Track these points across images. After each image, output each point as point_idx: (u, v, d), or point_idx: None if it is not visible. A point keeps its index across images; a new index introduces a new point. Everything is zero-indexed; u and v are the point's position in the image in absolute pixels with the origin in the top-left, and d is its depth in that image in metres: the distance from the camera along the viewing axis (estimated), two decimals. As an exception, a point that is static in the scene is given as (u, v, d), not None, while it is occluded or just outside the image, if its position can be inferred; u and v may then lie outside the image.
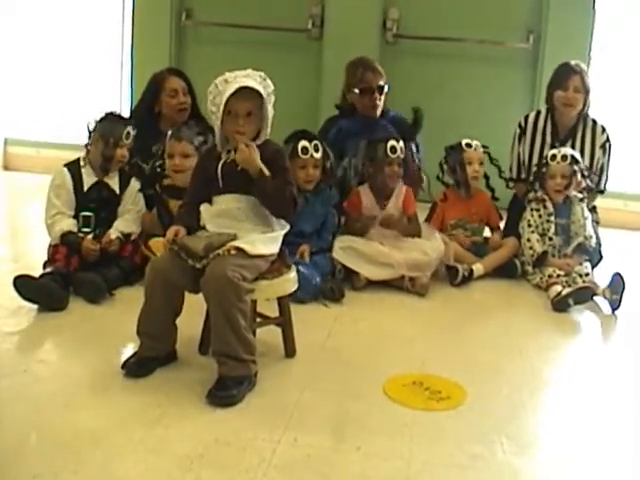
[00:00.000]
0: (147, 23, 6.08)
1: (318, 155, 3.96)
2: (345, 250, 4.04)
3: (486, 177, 4.53)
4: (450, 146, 4.52)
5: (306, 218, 3.94)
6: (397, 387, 2.96)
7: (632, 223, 5.50)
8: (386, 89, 4.70)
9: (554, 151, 4.41)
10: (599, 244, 4.48)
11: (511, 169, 4.79)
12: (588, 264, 4.24)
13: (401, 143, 4.20)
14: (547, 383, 3.17)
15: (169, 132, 4.04)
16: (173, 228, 2.92)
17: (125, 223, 3.90)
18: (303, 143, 3.93)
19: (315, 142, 3.96)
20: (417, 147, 4.47)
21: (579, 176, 4.38)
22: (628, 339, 3.70)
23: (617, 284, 3.94)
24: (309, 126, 4.30)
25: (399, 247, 4.10)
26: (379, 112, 4.70)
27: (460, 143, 4.47)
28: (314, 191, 4.02)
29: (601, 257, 4.45)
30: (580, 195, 4.40)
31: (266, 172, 2.89)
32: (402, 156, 4.19)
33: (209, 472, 2.32)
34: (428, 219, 4.52)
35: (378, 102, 4.68)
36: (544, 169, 4.40)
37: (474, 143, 4.48)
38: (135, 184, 4.01)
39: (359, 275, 4.02)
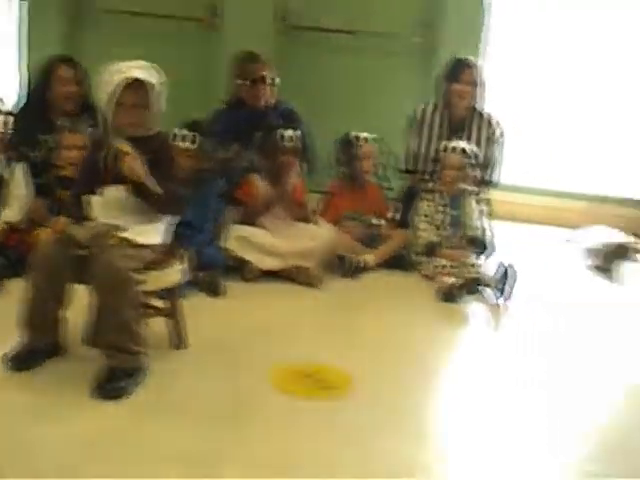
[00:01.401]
0: (42, 9, 5.92)
1: (192, 146, 3.92)
2: (238, 240, 4.04)
3: (380, 168, 4.58)
4: (341, 139, 4.56)
5: (192, 208, 3.90)
6: (284, 376, 2.98)
7: (524, 215, 5.62)
8: (276, 81, 4.69)
9: (447, 143, 4.49)
10: (491, 236, 4.58)
11: (404, 161, 4.84)
12: (479, 255, 4.33)
13: (297, 132, 4.24)
14: (435, 373, 3.23)
15: (62, 123, 3.96)
16: (58, 218, 2.87)
17: (10, 213, 3.81)
18: (182, 132, 3.91)
19: (193, 134, 3.93)
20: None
21: (472, 168, 4.47)
22: (517, 330, 3.79)
23: (507, 275, 4.03)
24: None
25: (288, 235, 4.12)
26: (264, 103, 4.68)
27: (351, 136, 4.52)
28: (199, 181, 3.98)
29: (492, 249, 4.54)
30: (473, 188, 4.49)
31: (150, 186, 2.83)
32: (297, 145, 4.23)
33: (97, 466, 2.30)
34: (323, 211, 4.54)
35: (262, 92, 4.67)
36: (437, 161, 4.47)
37: (364, 136, 4.53)
38: (20, 171, 3.91)
39: (251, 265, 4.02)
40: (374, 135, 4.60)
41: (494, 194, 4.93)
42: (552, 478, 2.50)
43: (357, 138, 4.53)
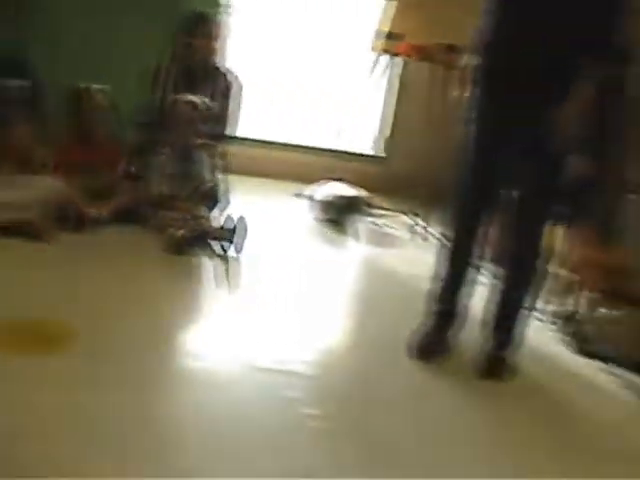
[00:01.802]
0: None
1: None
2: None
3: (112, 121, 4.48)
4: (72, 91, 4.42)
5: None
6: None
7: (259, 169, 5.69)
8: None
9: (178, 97, 4.45)
10: (223, 189, 4.60)
11: (139, 113, 4.75)
12: (211, 208, 4.34)
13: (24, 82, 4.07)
14: (163, 325, 3.21)
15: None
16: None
17: None
18: None
19: None
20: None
21: (204, 122, 4.46)
22: (250, 281, 3.85)
23: (238, 228, 4.08)
24: None
25: (8, 188, 3.93)
26: None
27: (81, 88, 4.38)
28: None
29: (225, 202, 4.57)
30: (206, 141, 4.48)
31: None
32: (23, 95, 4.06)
33: None
34: (53, 164, 4.36)
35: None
36: (170, 114, 4.43)
37: (94, 88, 4.41)
38: None
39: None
40: (105, 86, 4.47)
41: (229, 148, 4.95)
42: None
43: (87, 90, 4.39)
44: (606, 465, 2.81)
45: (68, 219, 4.07)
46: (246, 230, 4.06)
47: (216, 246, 4.10)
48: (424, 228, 5.10)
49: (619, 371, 3.65)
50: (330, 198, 5.11)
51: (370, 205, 5.50)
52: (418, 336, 3.35)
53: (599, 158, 4.41)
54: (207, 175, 4.40)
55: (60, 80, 4.47)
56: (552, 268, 4.20)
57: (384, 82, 5.96)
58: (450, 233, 3.38)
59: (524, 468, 2.65)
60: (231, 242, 4.03)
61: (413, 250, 4.82)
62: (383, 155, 6.21)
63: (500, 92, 3.19)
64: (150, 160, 4.38)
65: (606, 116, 4.35)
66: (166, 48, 4.97)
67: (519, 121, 3.13)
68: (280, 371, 2.95)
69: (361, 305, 3.97)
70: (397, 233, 5.14)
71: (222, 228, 4.10)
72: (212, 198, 4.43)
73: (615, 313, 3.77)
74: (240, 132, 5.10)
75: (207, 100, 4.54)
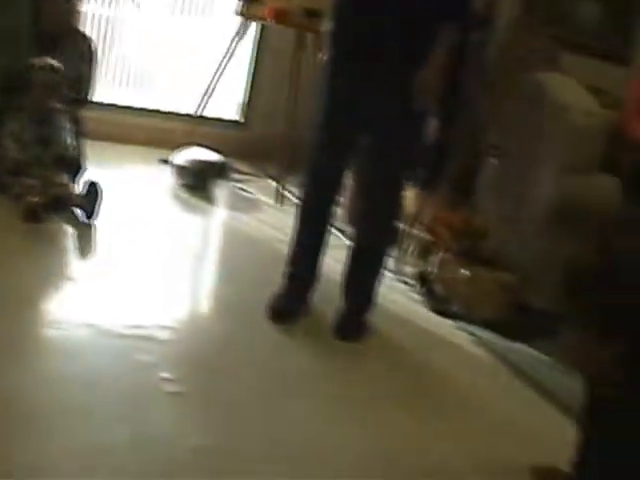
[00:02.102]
0: None
1: None
2: None
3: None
4: None
5: None
6: None
7: (120, 135, 5.60)
8: None
9: (35, 61, 4.32)
10: (81, 155, 4.51)
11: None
12: (67, 175, 4.24)
13: None
14: (34, 296, 3.18)
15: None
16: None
17: None
18: None
19: None
20: None
21: (60, 86, 4.35)
22: (104, 247, 3.81)
23: (94, 194, 4.01)
24: None
25: None
26: None
27: None
28: None
29: (83, 168, 4.47)
30: (62, 105, 4.37)
31: None
32: None
33: None
34: None
35: None
36: (27, 79, 4.30)
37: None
38: None
39: None
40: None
41: (87, 113, 4.85)
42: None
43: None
44: (450, 413, 2.95)
45: None
46: (100, 196, 3.99)
47: (76, 213, 4.02)
48: (283, 192, 5.13)
49: (470, 328, 3.80)
50: (191, 163, 5.08)
51: (231, 170, 5.51)
52: (275, 299, 3.39)
53: (453, 122, 4.54)
54: (68, 141, 4.30)
55: None
56: (406, 229, 4.32)
57: (246, 46, 5.93)
58: (305, 196, 3.43)
59: (365, 420, 2.75)
60: (88, 208, 3.97)
61: (273, 214, 4.86)
62: (243, 120, 6.21)
63: (349, 57, 3.24)
64: (6, 125, 4.23)
65: (460, 81, 4.48)
66: (24, 10, 4.83)
67: (369, 87, 3.18)
68: (137, 336, 2.96)
69: (221, 270, 3.99)
70: (257, 197, 5.16)
71: (82, 195, 4.02)
72: (74, 164, 4.33)
73: (466, 273, 3.91)
74: (100, 97, 5.01)
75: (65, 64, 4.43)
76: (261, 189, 5.33)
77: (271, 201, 5.09)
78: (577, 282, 2.30)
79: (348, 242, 3.52)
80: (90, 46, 4.71)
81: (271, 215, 4.83)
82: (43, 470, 2.12)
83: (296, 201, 4.92)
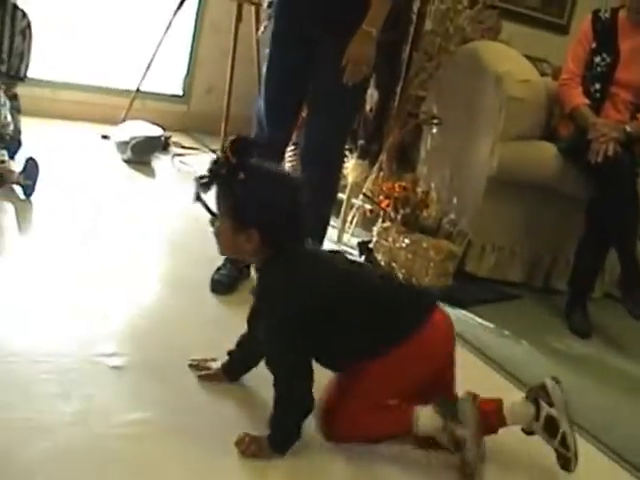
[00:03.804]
0: None
1: None
2: None
3: None
4: None
5: None
6: None
7: (58, 111, 5.53)
8: None
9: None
10: (18, 132, 4.45)
11: None
12: (4, 151, 4.18)
13: None
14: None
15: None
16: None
17: None
18: None
19: None
20: None
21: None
22: (43, 224, 3.77)
23: (31, 170, 3.97)
24: None
25: None
26: None
27: None
28: None
29: (19, 145, 4.41)
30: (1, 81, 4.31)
31: None
32: None
33: None
34: None
35: None
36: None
37: None
38: None
39: None
40: None
41: (25, 89, 4.78)
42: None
43: None
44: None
45: None
46: (38, 172, 3.94)
47: (14, 190, 3.97)
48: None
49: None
50: (132, 138, 5.03)
51: (172, 144, 5.49)
52: (216, 271, 3.40)
53: (391, 92, 4.56)
54: (5, 117, 4.23)
55: None
56: (348, 199, 4.35)
57: (186, 18, 5.88)
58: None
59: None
60: (25, 186, 3.92)
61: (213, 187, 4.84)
62: (182, 93, 6.17)
63: (285, 27, 3.24)
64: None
65: (397, 51, 4.50)
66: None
67: (306, 57, 3.19)
68: (76, 312, 2.93)
69: (164, 244, 3.97)
70: (197, 171, 5.12)
71: (20, 172, 3.97)
72: (11, 141, 4.27)
73: (407, 241, 3.95)
74: (37, 73, 4.94)
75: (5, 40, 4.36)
76: (202, 163, 5.28)
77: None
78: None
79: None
80: (29, 23, 4.62)
81: (213, 189, 4.80)
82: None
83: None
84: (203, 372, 2.67)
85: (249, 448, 2.32)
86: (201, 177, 2.32)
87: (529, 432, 2.53)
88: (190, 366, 2.70)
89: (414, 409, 2.41)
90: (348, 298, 2.36)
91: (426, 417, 2.40)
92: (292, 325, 2.27)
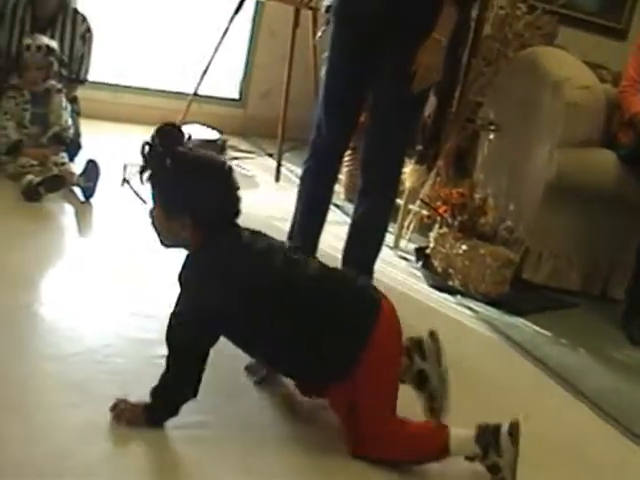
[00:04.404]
0: None
1: None
2: None
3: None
4: None
5: None
6: None
7: (114, 113, 5.59)
8: None
9: (28, 41, 4.29)
10: (78, 134, 4.51)
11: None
12: (65, 154, 4.25)
13: None
14: (28, 276, 3.16)
15: None
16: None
17: None
18: None
19: None
20: None
21: (56, 66, 4.34)
22: (103, 226, 3.82)
23: (91, 172, 4.02)
24: None
25: None
26: None
27: None
28: None
29: (78, 147, 4.47)
30: (58, 85, 4.37)
31: None
32: None
33: None
34: None
35: None
36: (20, 59, 4.29)
37: None
38: None
39: None
40: None
41: (87, 92, 4.85)
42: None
43: None
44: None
45: None
46: (99, 175, 3.99)
47: (75, 192, 4.03)
48: (281, 169, 5.13)
49: (469, 303, 3.82)
50: (189, 141, 5.06)
51: (229, 147, 5.51)
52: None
53: (450, 98, 4.53)
54: (66, 120, 4.29)
55: None
56: (405, 205, 4.33)
57: (244, 23, 5.92)
58: (305, 171, 3.45)
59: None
60: (85, 188, 3.97)
61: (271, 191, 4.87)
62: (239, 97, 6.21)
63: (348, 33, 3.23)
64: (1, 105, 4.22)
65: (459, 58, 4.48)
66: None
67: (370, 63, 3.18)
68: (137, 314, 2.96)
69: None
70: (255, 175, 5.16)
71: (80, 174, 4.03)
72: (72, 144, 4.33)
73: (464, 247, 3.92)
74: (98, 76, 5.01)
75: (60, 43, 4.43)
76: (258, 166, 5.33)
77: (269, 178, 5.09)
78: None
79: (348, 217, 3.52)
80: (88, 27, 4.69)
81: (269, 193, 4.83)
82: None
83: (294, 178, 4.96)
84: (257, 376, 2.68)
85: (123, 414, 2.32)
86: (130, 165, 2.32)
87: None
88: (246, 369, 2.71)
89: (447, 431, 2.34)
90: (275, 302, 2.31)
91: (464, 442, 2.34)
92: (200, 314, 2.26)
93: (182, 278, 2.34)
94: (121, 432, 2.27)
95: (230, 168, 2.39)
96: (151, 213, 2.42)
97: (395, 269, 4.01)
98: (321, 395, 2.47)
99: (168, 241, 2.43)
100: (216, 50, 5.48)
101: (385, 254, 3.61)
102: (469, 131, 4.51)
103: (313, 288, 2.37)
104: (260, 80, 6.10)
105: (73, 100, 4.66)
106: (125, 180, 2.06)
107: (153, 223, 2.42)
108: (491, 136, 4.57)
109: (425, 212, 4.28)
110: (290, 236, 3.48)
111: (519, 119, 4.46)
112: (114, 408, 2.33)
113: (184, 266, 2.35)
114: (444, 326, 3.46)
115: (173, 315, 2.32)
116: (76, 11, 4.69)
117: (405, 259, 4.16)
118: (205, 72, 5.52)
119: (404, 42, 3.08)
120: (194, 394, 2.32)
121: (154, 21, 5.85)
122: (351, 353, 2.30)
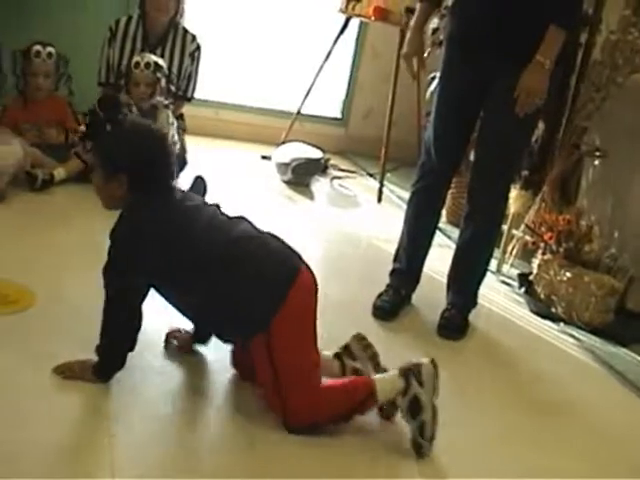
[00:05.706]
0: None
1: None
2: None
3: (63, 81, 4.45)
4: (22, 51, 4.35)
5: None
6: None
7: (222, 131, 5.71)
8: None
9: (137, 58, 4.41)
10: (184, 150, 4.61)
11: (100, 73, 4.73)
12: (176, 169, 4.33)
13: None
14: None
15: None
16: None
17: None
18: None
19: None
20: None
21: (163, 82, 4.44)
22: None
23: (198, 188, 4.08)
24: None
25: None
26: None
27: (32, 50, 4.32)
28: None
29: (185, 163, 4.57)
30: (165, 101, 4.47)
31: None
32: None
33: None
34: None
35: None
36: (129, 76, 4.41)
37: (47, 50, 4.34)
38: None
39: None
40: (51, 49, 4.38)
41: (190, 109, 4.96)
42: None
43: (37, 53, 4.33)
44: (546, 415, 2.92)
45: (30, 181, 4.06)
46: (205, 189, 4.06)
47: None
48: (383, 190, 5.15)
49: (572, 331, 3.76)
50: (292, 160, 5.13)
51: (331, 167, 5.55)
52: (380, 296, 3.42)
53: (557, 123, 4.48)
54: (173, 135, 4.39)
55: (17, 40, 4.43)
56: (509, 230, 4.29)
57: (347, 44, 5.98)
58: (413, 195, 3.46)
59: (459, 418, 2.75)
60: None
61: (373, 212, 4.87)
62: (341, 116, 6.25)
63: (460, 57, 3.23)
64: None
65: (567, 83, 4.42)
66: (129, 8, 4.95)
67: (480, 87, 3.17)
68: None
69: (325, 266, 4.00)
70: (357, 195, 5.18)
71: (187, 190, 4.10)
72: (178, 160, 4.41)
73: (568, 275, 3.87)
74: (202, 94, 5.11)
75: (168, 61, 4.54)
76: (360, 186, 5.35)
77: (370, 198, 5.10)
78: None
79: (453, 242, 3.51)
80: (198, 45, 4.79)
81: (371, 213, 4.84)
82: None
83: (396, 199, 4.97)
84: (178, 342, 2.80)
85: (70, 369, 2.47)
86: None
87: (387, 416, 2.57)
88: (167, 335, 2.82)
89: (372, 379, 2.47)
90: (194, 258, 2.42)
91: (389, 380, 2.46)
92: (124, 266, 2.40)
93: (112, 234, 2.44)
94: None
95: (164, 135, 2.64)
96: (92, 177, 2.58)
97: (497, 294, 3.97)
98: (249, 358, 2.51)
99: (109, 204, 2.58)
100: (320, 70, 5.54)
101: (487, 279, 3.57)
102: (575, 157, 4.44)
103: (233, 247, 2.47)
104: (362, 100, 6.14)
105: (179, 117, 4.77)
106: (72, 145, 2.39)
107: (95, 186, 2.56)
108: (596, 162, 4.49)
109: (529, 238, 4.23)
110: (395, 258, 3.49)
111: (626, 146, 4.37)
112: (60, 366, 2.47)
113: (116, 223, 2.46)
114: (548, 354, 3.44)
115: (103, 270, 2.44)
116: (186, 30, 4.80)
117: (507, 284, 4.12)
118: (309, 91, 5.58)
119: (516, 65, 3.06)
120: (131, 347, 2.47)
121: (260, 41, 5.95)
122: (270, 306, 2.39)
